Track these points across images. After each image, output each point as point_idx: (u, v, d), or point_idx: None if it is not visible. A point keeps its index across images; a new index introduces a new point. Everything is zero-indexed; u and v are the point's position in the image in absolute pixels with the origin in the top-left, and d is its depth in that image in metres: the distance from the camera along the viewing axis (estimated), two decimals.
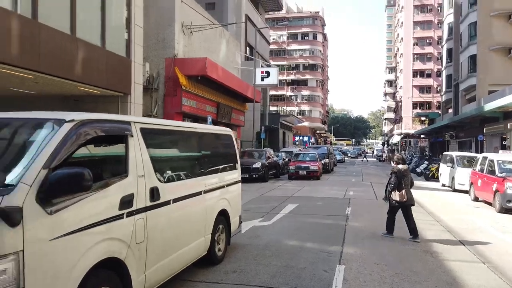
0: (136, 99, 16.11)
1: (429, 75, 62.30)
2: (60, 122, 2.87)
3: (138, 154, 3.57)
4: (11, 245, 2.27)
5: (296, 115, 59.55)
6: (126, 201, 3.29)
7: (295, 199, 12.12)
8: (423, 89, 61.86)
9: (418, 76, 62.46)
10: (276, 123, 41.02)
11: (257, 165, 18.08)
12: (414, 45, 62.85)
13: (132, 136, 3.54)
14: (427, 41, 63.09)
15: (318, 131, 75.71)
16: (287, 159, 24.26)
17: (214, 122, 19.80)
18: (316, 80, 70.87)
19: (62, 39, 11.70)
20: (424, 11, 63.85)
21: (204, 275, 4.86)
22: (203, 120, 19.31)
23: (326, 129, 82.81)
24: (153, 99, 19.33)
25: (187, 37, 20.95)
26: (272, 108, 48.39)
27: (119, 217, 3.20)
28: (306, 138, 54.55)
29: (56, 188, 2.54)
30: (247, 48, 33.50)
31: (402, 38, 65.62)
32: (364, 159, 53.65)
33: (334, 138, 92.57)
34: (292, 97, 69.30)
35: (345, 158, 52.09)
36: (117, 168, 3.41)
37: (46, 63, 11.01)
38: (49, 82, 12.39)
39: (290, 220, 8.73)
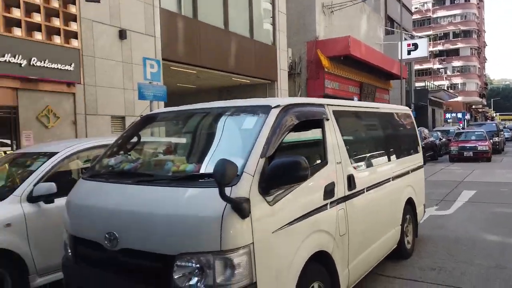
0: (282, 85, 16.37)
1: None
2: (266, 109, 2.74)
3: (334, 139, 3.28)
4: (243, 237, 2.19)
5: (446, 89, 52.93)
6: (329, 190, 3.03)
7: (469, 185, 10.51)
8: None
9: None
10: (424, 100, 37.08)
11: None
12: None
13: (328, 119, 3.26)
14: None
15: (474, 106, 65.97)
16: (444, 139, 21.61)
17: None
18: (470, 48, 61.43)
19: (218, 34, 12.50)
20: None
21: (395, 270, 4.38)
22: None
23: (485, 103, 71.55)
24: (296, 84, 19.42)
25: (327, 17, 20.32)
26: (418, 84, 43.99)
27: (324, 207, 2.96)
28: (460, 115, 48.06)
29: (274, 178, 2.40)
30: (388, 21, 30.88)
31: None
32: None
33: (494, 113, 79.37)
34: (441, 70, 61.67)
35: None
36: (316, 155, 3.18)
37: (206, 58, 11.93)
38: (209, 75, 13.45)
39: (473, 209, 7.50)
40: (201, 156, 2.75)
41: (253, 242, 2.24)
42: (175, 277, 2.19)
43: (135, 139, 3.37)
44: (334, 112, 3.42)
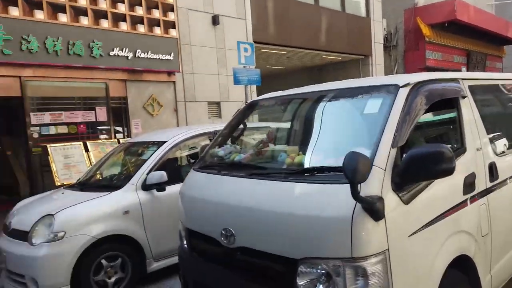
0: (377, 60, 15.25)
1: None
2: (393, 88, 2.33)
3: (472, 121, 2.74)
4: (377, 243, 1.88)
5: None
6: (469, 183, 2.53)
7: None
8: None
9: None
10: None
11: None
12: None
13: (464, 97, 2.72)
14: None
15: None
16: None
17: None
18: None
19: (308, 11, 11.96)
20: None
21: None
22: None
23: None
24: (392, 57, 17.96)
25: None
26: None
27: (464, 204, 2.49)
28: None
29: (411, 172, 2.01)
30: None
31: None
32: None
33: None
34: None
35: None
36: (450, 140, 2.69)
37: (296, 37, 11.53)
38: (298, 55, 13.05)
39: None
40: (318, 146, 2.47)
41: (388, 248, 1.91)
42: (299, 283, 1.99)
43: (241, 127, 3.23)
44: (470, 88, 2.86)
